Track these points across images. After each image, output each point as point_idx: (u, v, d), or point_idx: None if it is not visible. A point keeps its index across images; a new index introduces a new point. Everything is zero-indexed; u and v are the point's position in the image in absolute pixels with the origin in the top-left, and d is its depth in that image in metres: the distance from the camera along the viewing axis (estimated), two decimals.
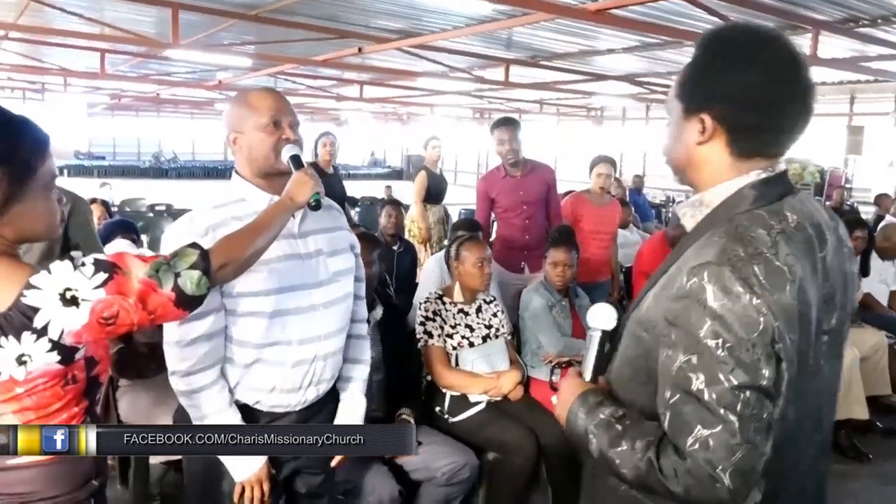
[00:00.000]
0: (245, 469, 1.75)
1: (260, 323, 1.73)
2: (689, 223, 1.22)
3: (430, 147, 6.23)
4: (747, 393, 1.04)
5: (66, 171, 21.28)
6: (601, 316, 1.34)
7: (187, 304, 1.38)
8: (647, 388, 1.16)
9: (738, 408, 1.03)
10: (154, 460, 2.81)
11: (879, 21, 7.10)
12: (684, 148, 1.20)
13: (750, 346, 1.04)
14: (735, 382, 1.03)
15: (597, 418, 1.20)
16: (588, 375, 1.34)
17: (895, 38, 7.74)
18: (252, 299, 1.71)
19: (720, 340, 1.04)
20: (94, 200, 4.60)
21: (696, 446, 1.04)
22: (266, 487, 1.77)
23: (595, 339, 1.34)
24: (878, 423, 4.18)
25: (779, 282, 1.06)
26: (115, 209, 8.45)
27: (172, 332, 1.68)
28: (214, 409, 1.73)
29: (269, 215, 1.61)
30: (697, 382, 1.05)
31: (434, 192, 5.95)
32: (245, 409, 1.80)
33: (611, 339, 1.33)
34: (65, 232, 2.28)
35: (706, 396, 1.04)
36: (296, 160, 1.72)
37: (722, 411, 1.04)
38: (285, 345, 1.76)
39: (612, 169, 4.64)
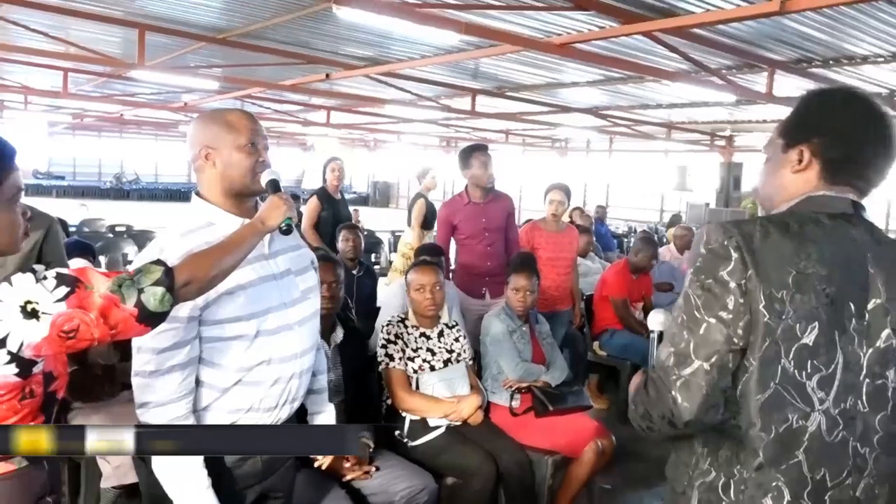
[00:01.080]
0: None
1: (243, 346, 1.72)
2: None
3: (428, 177, 6.92)
4: (698, 315, 1.27)
5: (24, 191, 20.78)
6: (658, 320, 1.71)
7: (150, 320, 1.37)
8: None
9: (691, 328, 1.28)
10: (105, 484, 2.74)
11: (831, 62, 7.39)
12: (779, 177, 1.37)
13: (718, 283, 1.26)
14: (692, 309, 1.28)
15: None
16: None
17: (846, 79, 8.05)
18: (236, 324, 1.70)
19: (694, 276, 1.29)
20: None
21: (660, 357, 1.29)
22: None
23: (652, 339, 1.71)
24: None
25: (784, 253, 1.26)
26: (72, 229, 8.30)
27: (147, 362, 1.64)
28: None
29: (239, 237, 1.60)
30: (676, 309, 1.31)
31: (429, 219, 6.32)
32: None
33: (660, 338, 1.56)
34: (39, 252, 2.25)
35: (678, 319, 1.29)
36: (274, 185, 1.74)
37: (679, 329, 1.29)
38: (265, 364, 1.76)
39: (564, 196, 4.69)
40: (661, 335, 1.61)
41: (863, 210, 1.33)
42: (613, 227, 12.70)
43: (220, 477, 1.77)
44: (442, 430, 2.99)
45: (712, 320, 1.23)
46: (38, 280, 1.27)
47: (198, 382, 1.74)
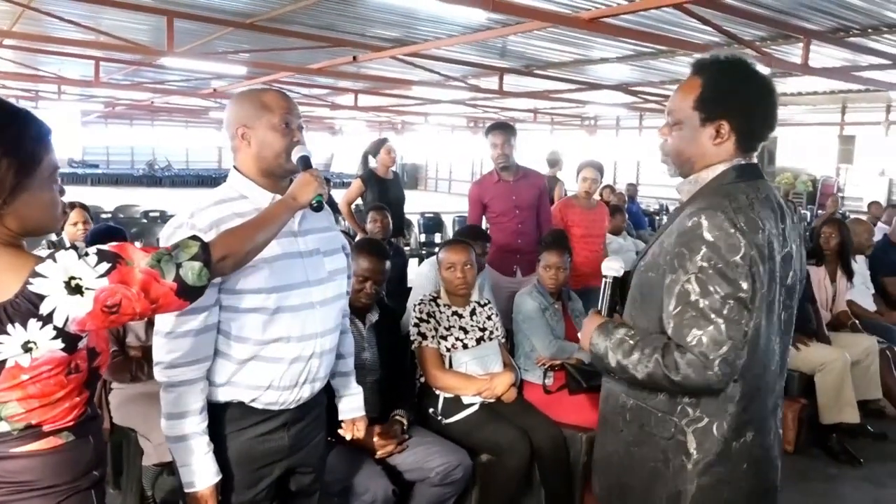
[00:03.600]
0: (194, 483, 1.74)
1: (261, 319, 1.74)
2: (684, 196, 1.62)
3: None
4: (731, 302, 1.42)
5: (59, 180, 21.18)
6: (612, 266, 1.74)
7: (189, 294, 1.40)
8: (650, 314, 1.55)
9: (724, 312, 1.42)
10: (147, 462, 2.80)
11: (870, 31, 7.17)
12: (700, 148, 1.58)
13: (734, 266, 1.43)
14: (721, 293, 1.42)
15: (613, 338, 1.57)
16: (604, 312, 1.72)
17: (885, 48, 7.82)
18: (255, 296, 1.73)
19: (712, 262, 1.43)
20: (73, 205, 4.47)
21: (693, 342, 1.43)
22: None
23: (608, 284, 1.72)
24: (868, 427, 4.21)
25: (753, 227, 1.46)
26: (108, 216, 8.44)
27: (165, 323, 1.69)
28: (190, 408, 1.72)
29: (271, 213, 1.64)
30: (695, 295, 1.44)
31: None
32: (240, 407, 1.80)
33: (621, 286, 1.71)
34: None
35: (700, 305, 1.43)
36: (304, 161, 1.77)
37: (712, 315, 1.42)
38: (284, 341, 1.78)
39: (597, 173, 4.73)
40: (615, 280, 1.73)
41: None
42: (644, 205, 12.53)
43: (244, 452, 1.81)
44: (475, 407, 2.99)
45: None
46: (80, 256, 1.29)
47: (217, 354, 1.76)
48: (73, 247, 1.33)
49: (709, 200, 1.50)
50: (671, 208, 12.47)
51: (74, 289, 1.27)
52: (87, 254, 1.30)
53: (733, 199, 1.48)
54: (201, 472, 1.74)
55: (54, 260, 1.29)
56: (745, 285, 1.43)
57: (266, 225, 1.60)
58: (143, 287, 1.33)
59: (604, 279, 1.74)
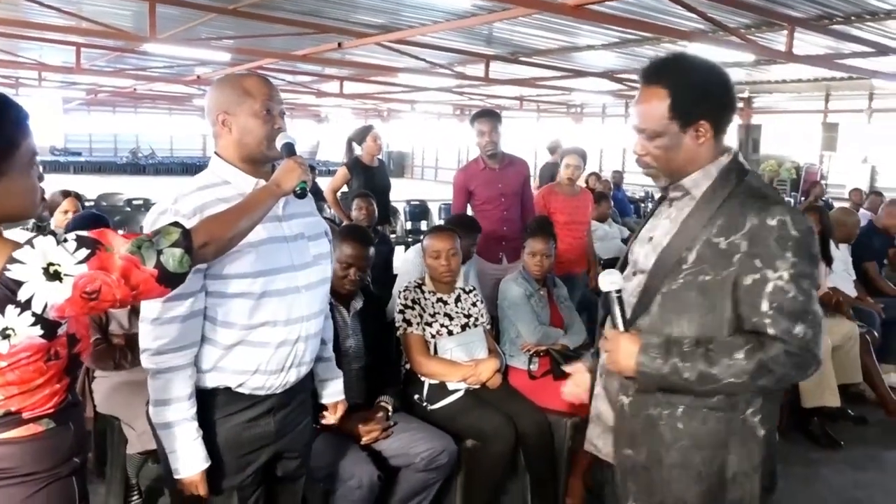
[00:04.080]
0: (183, 470, 1.75)
1: (248, 304, 1.74)
2: (697, 192, 1.59)
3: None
4: (813, 293, 1.48)
5: (41, 168, 20.95)
6: (613, 280, 1.62)
7: (170, 281, 1.39)
8: (703, 318, 1.52)
9: (813, 305, 1.47)
10: (131, 450, 2.79)
11: (853, 18, 7.22)
12: (688, 153, 1.58)
13: (816, 259, 1.50)
14: (809, 287, 1.47)
15: (678, 354, 1.50)
16: (621, 329, 1.60)
17: (868, 36, 7.87)
18: (241, 281, 1.73)
19: (802, 258, 1.46)
20: (67, 194, 4.50)
21: (800, 334, 1.45)
22: (202, 491, 1.77)
23: (615, 299, 1.60)
24: (849, 411, 4.26)
25: None
26: (91, 204, 8.36)
27: (151, 310, 1.69)
28: (178, 395, 1.72)
29: (254, 199, 1.64)
30: (793, 291, 1.46)
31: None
32: (226, 393, 1.80)
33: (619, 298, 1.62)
34: None
35: (799, 300, 1.46)
36: (289, 148, 1.76)
37: (809, 307, 1.46)
38: (270, 325, 1.78)
39: (580, 160, 4.73)
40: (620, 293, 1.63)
41: None
42: (630, 192, 12.57)
43: (231, 438, 1.81)
44: (461, 393, 3.00)
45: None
46: (59, 242, 1.28)
47: (204, 340, 1.76)
48: (52, 233, 1.32)
49: (762, 198, 1.52)
50: (657, 196, 12.48)
51: (53, 275, 1.26)
52: (65, 240, 1.29)
53: (776, 193, 1.56)
54: (190, 459, 1.74)
55: (32, 246, 1.27)
56: (815, 276, 1.50)
57: (249, 211, 1.60)
58: (123, 273, 1.32)
59: (608, 295, 1.61)
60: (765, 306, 1.46)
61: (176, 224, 1.44)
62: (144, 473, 3.06)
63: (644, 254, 1.65)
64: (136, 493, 3.02)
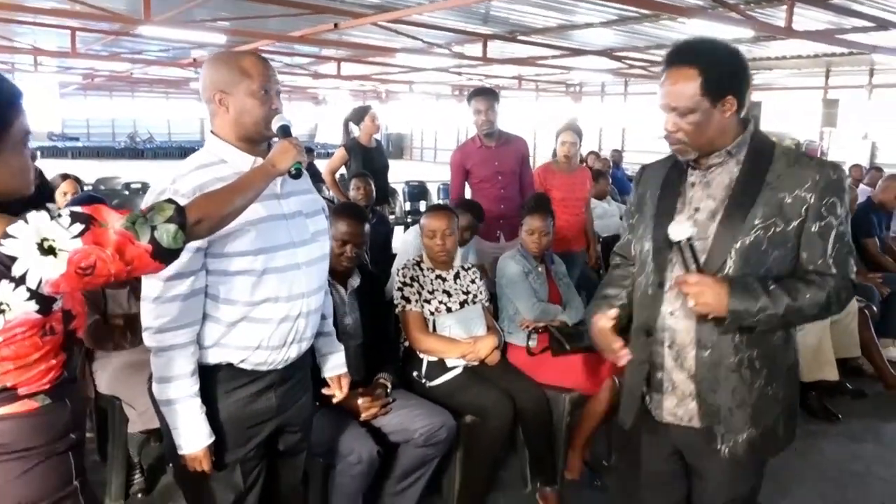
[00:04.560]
0: (188, 446, 1.77)
1: (249, 281, 1.75)
2: (741, 156, 1.76)
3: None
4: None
5: (39, 153, 20.90)
6: (683, 229, 1.71)
7: (164, 256, 1.39)
8: (780, 266, 1.71)
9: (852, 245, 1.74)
10: (133, 429, 2.81)
11: None
12: (719, 125, 1.72)
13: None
14: (849, 231, 1.73)
15: (765, 290, 1.66)
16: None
17: (869, 10, 7.81)
18: (242, 258, 1.74)
19: (846, 207, 1.71)
20: (66, 177, 4.54)
21: (851, 274, 1.71)
22: (206, 466, 1.79)
23: (688, 246, 1.71)
24: (847, 385, 4.29)
25: None
26: (89, 188, 8.35)
27: (152, 288, 1.70)
28: (180, 372, 1.74)
29: (249, 179, 1.64)
30: (847, 235, 1.71)
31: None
32: (229, 369, 1.82)
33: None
34: None
35: (849, 241, 1.71)
36: (284, 130, 1.76)
37: (853, 252, 1.73)
38: (272, 302, 1.79)
39: (576, 137, 4.70)
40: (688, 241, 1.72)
41: None
42: (630, 171, 12.53)
43: (233, 413, 1.83)
44: (459, 370, 3.01)
45: None
46: (52, 217, 1.28)
47: (206, 317, 1.77)
48: (46, 208, 1.32)
49: (807, 156, 1.77)
50: None
51: (47, 250, 1.26)
52: (59, 215, 1.29)
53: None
54: (194, 435, 1.76)
55: (26, 221, 1.27)
56: None
57: (243, 190, 1.61)
58: (117, 248, 1.32)
59: (680, 245, 1.72)
60: (830, 250, 1.68)
61: (170, 201, 1.45)
62: (146, 453, 3.09)
63: (693, 223, 1.75)
64: (137, 472, 3.04)
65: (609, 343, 1.87)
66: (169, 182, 1.71)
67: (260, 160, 1.77)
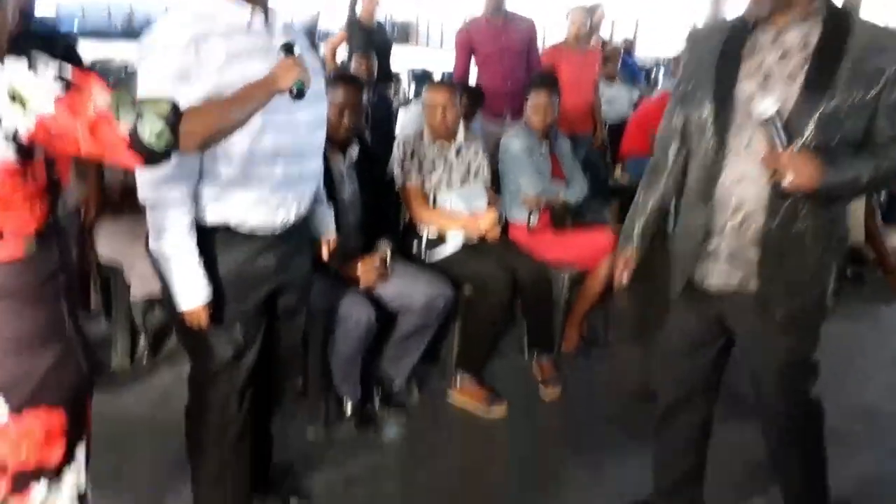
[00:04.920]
0: (185, 303, 1.77)
1: (247, 138, 1.70)
2: (819, 18, 1.66)
3: None
4: None
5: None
6: (768, 105, 1.62)
7: (143, 152, 1.30)
8: (858, 134, 1.66)
9: None
10: (136, 292, 2.84)
11: None
12: None
13: None
14: None
15: (856, 160, 1.66)
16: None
17: None
18: None
19: None
20: None
21: None
22: (203, 322, 1.80)
23: (775, 120, 1.62)
24: (847, 270, 4.31)
25: None
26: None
27: None
28: (177, 227, 1.72)
29: (247, 93, 1.56)
30: None
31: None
32: (227, 231, 1.80)
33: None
34: None
35: None
36: (287, 48, 1.68)
37: None
38: (271, 160, 1.76)
39: (586, 15, 4.60)
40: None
41: None
42: (641, 62, 12.11)
43: (232, 272, 1.82)
44: (459, 245, 3.01)
45: None
46: (32, 68, 1.22)
47: (203, 175, 1.74)
48: (28, 54, 1.25)
49: (881, 25, 1.67)
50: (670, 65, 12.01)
51: (19, 102, 1.21)
52: (45, 67, 1.22)
53: None
54: (192, 291, 1.76)
55: (2, 62, 1.21)
56: None
57: (241, 104, 1.53)
58: (91, 126, 1.25)
59: (767, 123, 1.64)
60: None
61: (170, 100, 1.36)
62: (150, 321, 3.13)
63: (765, 92, 1.68)
64: (142, 337, 3.10)
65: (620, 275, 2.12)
66: (166, 31, 1.65)
67: (259, 11, 1.70)
